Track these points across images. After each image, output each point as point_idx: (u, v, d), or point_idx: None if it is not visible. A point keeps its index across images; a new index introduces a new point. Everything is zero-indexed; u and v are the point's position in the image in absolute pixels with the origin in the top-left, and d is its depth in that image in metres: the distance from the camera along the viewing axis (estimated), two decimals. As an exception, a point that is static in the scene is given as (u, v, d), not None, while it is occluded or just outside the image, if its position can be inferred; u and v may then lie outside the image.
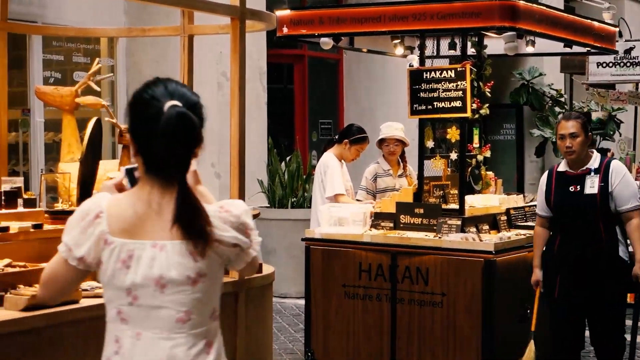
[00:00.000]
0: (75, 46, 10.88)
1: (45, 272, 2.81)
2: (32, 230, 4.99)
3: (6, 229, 4.88)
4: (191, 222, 2.66)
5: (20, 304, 4.22)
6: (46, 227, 5.17)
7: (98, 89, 6.21)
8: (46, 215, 5.39)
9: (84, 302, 4.47)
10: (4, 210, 5.13)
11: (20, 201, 5.30)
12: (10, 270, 4.53)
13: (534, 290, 6.25)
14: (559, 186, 6.06)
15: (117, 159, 5.98)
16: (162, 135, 2.64)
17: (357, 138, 8.21)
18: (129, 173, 2.83)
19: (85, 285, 4.68)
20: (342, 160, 8.25)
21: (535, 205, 6.77)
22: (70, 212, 5.31)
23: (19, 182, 5.57)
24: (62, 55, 10.78)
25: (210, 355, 2.80)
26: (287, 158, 11.08)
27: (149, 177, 2.72)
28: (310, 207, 9.25)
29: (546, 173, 6.27)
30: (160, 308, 2.69)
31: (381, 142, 8.41)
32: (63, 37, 10.60)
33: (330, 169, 8.01)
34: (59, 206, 5.60)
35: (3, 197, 5.17)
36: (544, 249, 6.19)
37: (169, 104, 2.68)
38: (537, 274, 6.19)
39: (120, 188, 2.81)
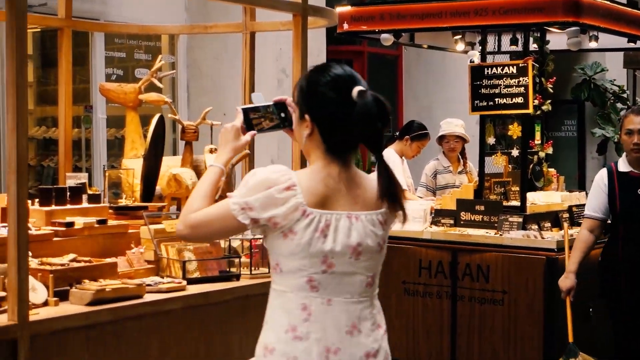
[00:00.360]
0: (137, 43, 10.98)
1: (199, 216, 2.98)
2: (96, 225, 5.04)
3: (71, 224, 4.94)
4: (396, 194, 2.96)
5: (85, 299, 4.27)
6: (110, 222, 5.22)
7: (161, 85, 6.25)
8: (110, 210, 5.45)
9: (148, 297, 4.51)
10: (68, 206, 5.19)
11: (84, 197, 5.36)
12: (75, 265, 4.58)
13: (564, 298, 5.93)
14: (625, 189, 5.68)
15: (179, 155, 6.02)
16: (360, 120, 2.86)
17: (418, 134, 8.18)
18: (246, 113, 3.11)
19: (149, 280, 4.73)
20: (403, 157, 8.22)
21: None
22: (134, 208, 5.41)
23: (83, 177, 5.64)
24: (124, 52, 10.89)
25: (381, 312, 3.06)
26: (346, 154, 11.07)
27: (331, 156, 2.93)
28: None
29: (604, 173, 5.81)
30: (353, 274, 2.92)
31: (441, 139, 8.37)
32: (125, 35, 10.71)
33: (392, 165, 7.97)
34: (123, 202, 5.65)
35: (68, 193, 5.24)
36: (589, 253, 5.87)
37: (357, 88, 2.92)
38: (572, 281, 5.83)
39: (242, 130, 3.09)
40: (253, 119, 3.15)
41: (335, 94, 2.92)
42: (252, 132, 3.14)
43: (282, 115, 3.13)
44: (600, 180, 5.83)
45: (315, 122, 2.94)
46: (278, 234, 2.89)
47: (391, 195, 2.96)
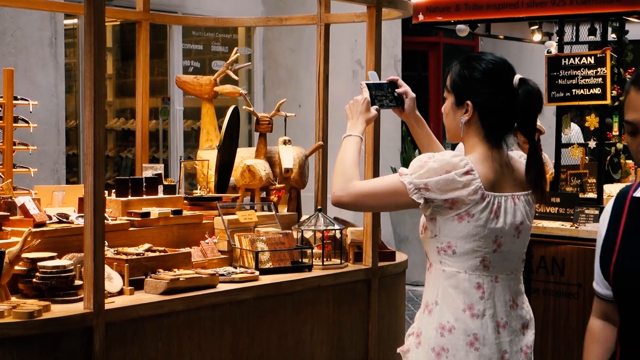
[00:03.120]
0: (214, 36, 11.10)
1: (366, 186, 3.10)
2: (171, 215, 5.12)
3: (147, 214, 5.02)
4: (542, 177, 3.09)
5: (159, 288, 4.34)
6: (185, 213, 5.29)
7: (236, 77, 6.31)
8: (185, 201, 5.52)
9: (221, 287, 4.56)
10: (145, 196, 5.27)
11: (160, 187, 5.44)
12: (150, 254, 4.65)
13: None
14: (633, 229, 2.64)
15: (254, 147, 6.07)
16: (523, 106, 3.02)
17: None
18: (370, 89, 3.29)
19: (222, 270, 4.79)
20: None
21: None
22: (208, 199, 5.47)
23: (159, 168, 5.72)
24: (201, 44, 11.01)
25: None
26: (422, 146, 11.04)
27: (491, 142, 3.06)
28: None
29: (610, 202, 3.03)
30: (514, 252, 3.09)
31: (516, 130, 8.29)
32: (202, 27, 10.83)
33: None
34: (198, 192, 5.72)
35: (144, 184, 5.32)
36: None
37: (517, 76, 3.06)
38: None
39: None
40: (376, 96, 3.30)
41: (498, 81, 3.04)
42: (376, 106, 3.30)
43: (395, 94, 3.32)
44: (605, 215, 2.81)
45: (477, 108, 3.05)
46: (452, 217, 3.00)
47: (538, 177, 3.08)
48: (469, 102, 3.06)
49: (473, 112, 3.06)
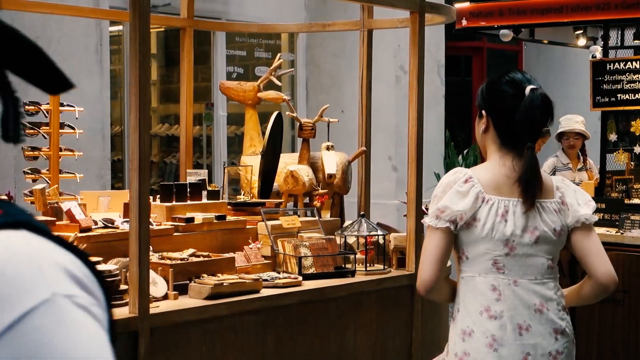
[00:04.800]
0: (257, 42, 11.14)
1: (421, 262, 3.14)
2: (215, 221, 5.15)
3: (191, 219, 5.05)
4: (531, 183, 3.12)
5: (203, 293, 4.37)
6: (229, 218, 5.32)
7: (279, 83, 6.34)
8: (229, 207, 5.55)
9: (264, 292, 4.58)
10: (189, 202, 5.31)
11: (204, 193, 5.47)
12: (194, 259, 4.68)
13: None
14: None
15: (297, 152, 6.09)
16: (526, 113, 3.09)
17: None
18: None
19: (266, 275, 4.80)
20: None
21: None
22: (252, 204, 5.50)
23: (203, 174, 5.76)
24: (244, 50, 11.06)
25: (564, 297, 3.24)
26: (465, 151, 11.00)
27: (505, 148, 3.18)
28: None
29: None
30: (534, 257, 3.12)
31: (561, 136, 8.24)
32: (246, 33, 10.88)
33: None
34: (241, 198, 5.75)
35: (189, 189, 5.36)
36: None
37: (529, 87, 3.13)
38: None
39: None
40: None
41: (510, 91, 3.16)
42: None
43: None
44: None
45: (491, 117, 3.21)
46: (462, 226, 3.11)
47: (524, 182, 3.13)
48: (483, 112, 3.23)
49: (488, 121, 3.21)
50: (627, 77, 7.10)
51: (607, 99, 7.17)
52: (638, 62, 7.05)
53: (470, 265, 3.14)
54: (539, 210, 3.14)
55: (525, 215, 3.11)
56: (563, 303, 3.21)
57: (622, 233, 6.64)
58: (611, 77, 7.17)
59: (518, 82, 3.18)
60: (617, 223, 6.77)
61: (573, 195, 3.23)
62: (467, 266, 3.16)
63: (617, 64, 7.16)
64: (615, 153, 7.46)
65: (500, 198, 3.11)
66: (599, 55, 7.70)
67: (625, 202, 7.10)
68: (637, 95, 7.04)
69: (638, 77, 7.04)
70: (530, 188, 3.12)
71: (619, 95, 7.14)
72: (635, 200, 7.22)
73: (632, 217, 6.71)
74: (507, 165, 3.16)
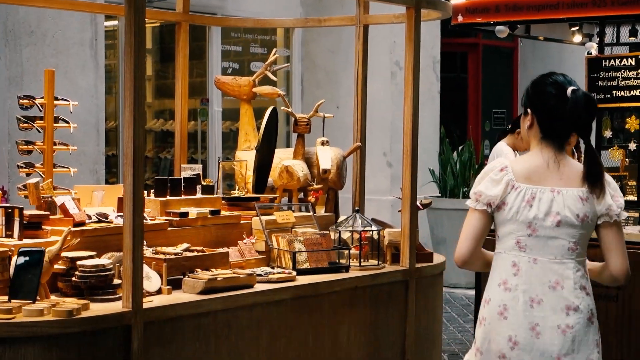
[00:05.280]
0: (253, 37, 11.13)
1: (460, 238, 3.58)
2: (209, 216, 5.14)
3: (185, 214, 5.04)
4: (597, 175, 3.48)
5: (197, 288, 4.37)
6: (223, 213, 5.31)
7: (275, 78, 6.33)
8: (223, 202, 5.54)
9: (258, 287, 4.58)
10: (183, 196, 5.30)
11: (199, 188, 5.47)
12: (188, 254, 4.67)
13: None
14: None
15: (292, 148, 6.09)
16: (570, 112, 3.48)
17: None
18: None
19: (260, 270, 4.80)
20: (516, 151, 8.12)
21: None
22: (246, 199, 5.49)
23: (198, 169, 5.75)
24: (240, 46, 11.05)
25: (588, 280, 3.54)
26: (460, 147, 11.00)
27: (546, 142, 3.55)
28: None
29: None
30: (555, 238, 3.47)
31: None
32: (241, 28, 10.87)
33: (505, 157, 7.86)
34: (236, 193, 5.74)
35: (183, 184, 5.35)
36: None
37: (571, 88, 3.52)
38: None
39: None
40: None
41: (554, 92, 3.54)
42: None
43: None
44: None
45: (535, 115, 3.58)
46: (494, 209, 3.54)
47: (592, 175, 3.48)
48: (529, 110, 3.61)
49: (533, 119, 3.60)
50: (622, 74, 7.12)
51: (602, 96, 7.18)
52: (633, 59, 7.06)
53: (500, 243, 3.57)
54: (563, 197, 3.48)
55: (550, 202, 3.47)
56: (582, 283, 3.49)
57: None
58: (606, 74, 7.19)
59: (560, 84, 3.55)
60: (611, 220, 6.77)
61: (608, 189, 3.52)
62: (498, 244, 3.58)
63: (612, 60, 7.17)
64: (610, 150, 7.48)
65: (528, 186, 3.49)
66: (594, 52, 7.72)
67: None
68: (632, 92, 7.05)
69: (633, 74, 7.05)
70: (593, 175, 3.49)
71: (614, 92, 7.15)
72: (630, 197, 7.23)
73: (626, 214, 6.71)
74: (544, 157, 3.54)
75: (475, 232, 3.56)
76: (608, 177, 3.57)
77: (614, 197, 3.53)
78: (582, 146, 6.50)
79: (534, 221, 3.47)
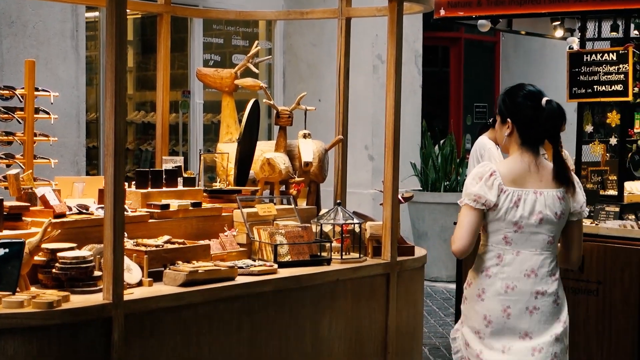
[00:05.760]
0: (235, 29, 11.11)
1: (456, 232, 3.96)
2: (191, 208, 5.13)
3: (167, 206, 5.03)
4: (565, 175, 3.98)
5: (178, 280, 4.35)
6: (204, 205, 5.30)
7: (256, 71, 6.31)
8: (204, 194, 5.53)
9: (239, 280, 4.57)
10: (164, 189, 5.28)
11: (180, 180, 5.45)
12: (169, 246, 4.66)
13: None
14: None
15: (274, 140, 6.08)
16: (546, 121, 3.94)
17: None
18: None
19: (241, 263, 4.79)
20: (498, 145, 8.14)
21: None
22: (228, 192, 5.48)
23: (179, 161, 5.73)
24: (221, 38, 11.03)
25: (558, 267, 4.05)
26: (441, 141, 11.02)
27: (525, 149, 3.98)
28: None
29: None
30: (537, 234, 3.94)
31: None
32: (223, 21, 10.84)
33: (488, 152, 7.88)
34: (217, 185, 5.73)
35: (164, 176, 5.33)
36: None
37: (545, 99, 3.98)
38: None
39: None
40: None
41: (530, 103, 3.98)
42: None
43: None
44: None
45: (515, 124, 3.99)
46: (488, 209, 3.94)
47: (560, 175, 3.96)
48: (509, 119, 4.01)
49: (512, 127, 4.01)
50: (603, 69, 7.13)
51: (583, 90, 7.20)
52: (615, 54, 7.08)
53: (488, 237, 3.99)
54: (545, 198, 3.93)
55: (533, 202, 3.91)
56: (554, 271, 4.00)
57: (597, 224, 6.68)
58: (588, 69, 7.20)
59: (535, 95, 4.00)
60: (592, 214, 6.80)
61: (579, 189, 4.03)
62: (486, 238, 4.01)
63: (594, 55, 7.19)
64: (591, 144, 7.50)
65: (514, 189, 3.92)
66: (576, 46, 7.74)
67: (601, 193, 7.14)
68: (613, 87, 7.07)
69: (614, 69, 7.06)
70: (562, 176, 3.97)
71: (595, 86, 7.17)
72: (611, 192, 7.26)
73: (607, 209, 6.74)
74: (525, 161, 3.97)
75: (474, 227, 3.94)
76: (575, 176, 4.08)
77: (582, 198, 4.05)
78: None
79: (520, 220, 3.92)
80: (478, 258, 4.06)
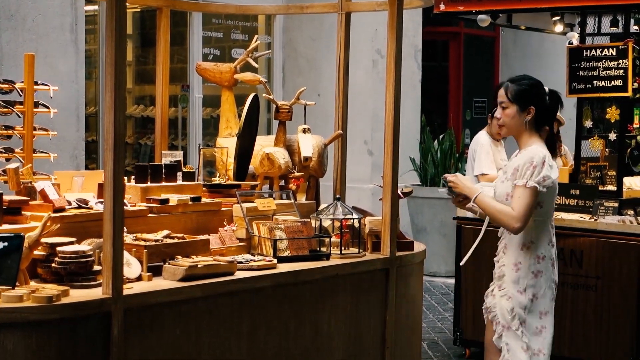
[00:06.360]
0: (234, 23, 11.09)
1: (522, 208, 4.42)
2: (190, 203, 5.12)
3: (166, 201, 5.03)
4: (556, 150, 4.78)
5: (177, 274, 4.35)
6: (204, 200, 5.30)
7: (256, 65, 6.30)
8: (204, 188, 5.52)
9: (239, 275, 4.57)
10: (164, 183, 5.28)
11: (179, 174, 5.44)
12: (168, 241, 4.66)
13: None
14: None
15: (273, 135, 6.07)
16: (552, 107, 4.60)
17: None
18: None
19: (240, 258, 4.79)
20: (501, 140, 8.12)
21: None
22: (227, 186, 5.48)
23: (179, 155, 5.72)
24: (221, 32, 11.02)
25: None
26: (440, 136, 11.01)
27: (541, 133, 4.56)
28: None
29: None
30: None
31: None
32: (222, 15, 10.82)
33: (480, 148, 7.87)
34: (216, 180, 5.73)
35: (164, 170, 5.33)
36: None
37: (546, 89, 4.59)
38: None
39: None
40: None
41: (546, 92, 4.58)
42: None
43: None
44: None
45: (537, 110, 4.52)
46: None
47: (555, 151, 4.73)
48: (532, 107, 4.51)
49: (534, 114, 4.51)
50: (603, 64, 7.13)
51: (583, 86, 7.20)
52: (614, 49, 7.08)
53: (544, 213, 4.53)
54: None
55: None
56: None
57: (595, 219, 6.68)
58: (587, 64, 7.20)
59: (542, 85, 4.58)
60: (590, 209, 6.80)
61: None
62: (544, 214, 4.53)
63: (593, 50, 7.19)
64: (590, 140, 7.51)
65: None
66: (575, 41, 7.73)
67: (600, 188, 7.14)
68: (612, 82, 7.07)
69: (614, 64, 7.07)
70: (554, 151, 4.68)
71: (594, 82, 7.17)
72: (610, 187, 7.26)
73: (605, 204, 6.74)
74: (544, 144, 4.58)
75: (533, 209, 4.46)
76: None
77: None
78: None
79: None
80: (540, 233, 4.53)
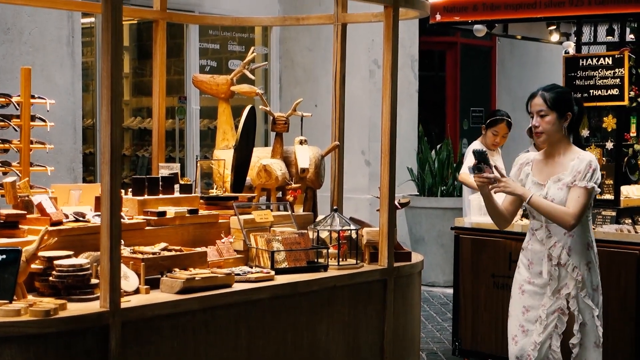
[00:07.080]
0: (231, 35, 11.11)
1: (578, 207, 4.58)
2: (187, 215, 5.12)
3: (163, 213, 5.02)
4: None
5: (175, 287, 4.35)
6: (201, 212, 5.29)
7: (253, 77, 6.31)
8: (201, 201, 5.52)
9: (237, 287, 4.56)
10: (161, 195, 5.27)
11: (176, 186, 5.44)
12: (166, 253, 4.65)
13: None
14: None
15: (270, 146, 6.07)
16: (582, 112, 4.86)
17: (490, 121, 8.00)
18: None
19: (238, 270, 4.79)
20: (498, 148, 8.12)
21: None
22: (224, 198, 5.48)
23: (176, 168, 5.72)
24: (217, 44, 11.02)
25: None
26: (438, 146, 11.02)
27: (570, 138, 4.79)
28: (460, 196, 9.16)
29: None
30: None
31: (532, 130, 8.24)
32: (219, 27, 10.84)
33: (470, 155, 7.86)
34: (214, 192, 5.73)
35: (161, 183, 5.32)
36: None
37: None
38: None
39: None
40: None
41: (574, 99, 4.82)
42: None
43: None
44: None
45: (573, 117, 4.72)
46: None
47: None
48: (569, 113, 4.71)
49: (569, 120, 4.72)
50: (599, 73, 7.14)
51: (579, 95, 7.21)
52: (610, 58, 7.09)
53: (589, 212, 4.72)
54: None
55: None
56: None
57: (593, 228, 6.67)
58: (584, 73, 7.21)
59: (572, 92, 5.00)
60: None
61: None
62: (588, 213, 4.70)
63: (589, 59, 7.20)
64: (587, 148, 7.49)
65: None
66: (571, 51, 7.75)
67: (597, 197, 7.12)
68: (609, 91, 7.08)
69: (610, 73, 7.08)
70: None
71: (591, 91, 7.18)
72: (607, 196, 7.26)
73: (603, 213, 6.75)
74: None
75: (587, 208, 4.65)
76: None
77: None
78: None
79: None
80: (586, 231, 4.71)
